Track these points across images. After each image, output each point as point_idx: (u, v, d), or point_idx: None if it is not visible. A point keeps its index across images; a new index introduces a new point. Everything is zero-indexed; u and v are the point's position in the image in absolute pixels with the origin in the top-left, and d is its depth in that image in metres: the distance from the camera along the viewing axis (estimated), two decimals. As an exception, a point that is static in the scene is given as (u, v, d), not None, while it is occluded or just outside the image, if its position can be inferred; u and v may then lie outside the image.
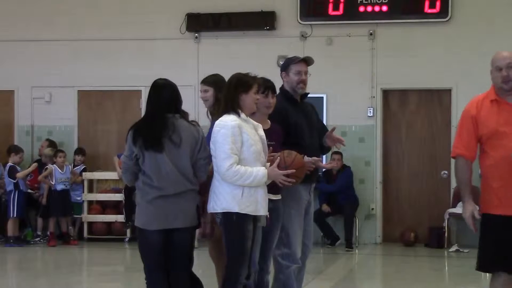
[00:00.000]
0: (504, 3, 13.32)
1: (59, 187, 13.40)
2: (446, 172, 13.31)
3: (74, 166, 13.97)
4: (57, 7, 14.45)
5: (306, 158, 6.18)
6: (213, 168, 5.83)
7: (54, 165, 13.44)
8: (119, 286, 10.24)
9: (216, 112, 6.11)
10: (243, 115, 5.82)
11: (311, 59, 6.75)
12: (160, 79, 6.12)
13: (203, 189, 5.97)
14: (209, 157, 5.86)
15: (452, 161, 5.95)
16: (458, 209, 12.09)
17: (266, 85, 6.21)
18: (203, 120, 7.02)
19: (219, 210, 5.75)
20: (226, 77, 6.07)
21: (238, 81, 5.86)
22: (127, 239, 13.59)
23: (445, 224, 12.93)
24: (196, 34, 14.09)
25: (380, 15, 13.49)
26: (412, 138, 13.77)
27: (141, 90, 13.97)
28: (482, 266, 5.70)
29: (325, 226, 13.25)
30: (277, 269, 6.56)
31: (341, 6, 13.55)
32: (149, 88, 6.08)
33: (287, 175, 5.77)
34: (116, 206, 13.79)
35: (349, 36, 13.65)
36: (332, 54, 13.53)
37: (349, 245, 12.98)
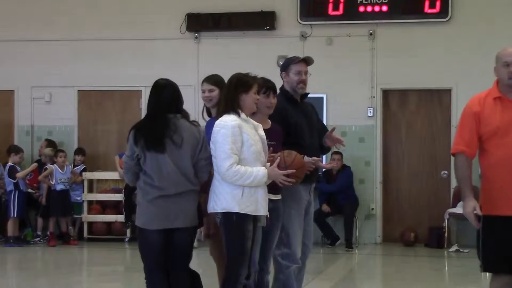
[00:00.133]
0: (504, 3, 13.31)
1: (59, 187, 13.40)
2: (446, 172, 13.31)
3: (74, 166, 13.97)
4: (57, 7, 14.44)
5: (306, 158, 6.18)
6: (213, 168, 5.84)
7: (55, 165, 13.45)
8: (119, 286, 10.23)
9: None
10: (243, 115, 5.81)
11: (311, 59, 6.75)
12: (161, 79, 6.11)
13: (203, 189, 5.97)
14: (210, 158, 5.85)
15: (452, 161, 5.89)
16: (458, 209, 12.10)
17: (267, 85, 6.21)
18: (203, 120, 7.00)
19: (219, 210, 5.75)
20: (226, 77, 6.07)
21: (238, 81, 5.86)
22: (127, 239, 13.60)
23: (445, 224, 12.93)
24: (196, 34, 14.08)
25: (380, 15, 13.49)
26: (412, 138, 13.77)
27: (141, 90, 13.98)
28: (488, 267, 5.58)
29: (325, 226, 13.25)
30: (277, 269, 6.55)
31: (341, 6, 13.55)
32: (149, 88, 6.08)
33: (287, 175, 5.77)
34: (116, 206, 13.79)
35: (349, 36, 13.65)
36: (332, 54, 13.53)
37: (349, 245, 12.98)
